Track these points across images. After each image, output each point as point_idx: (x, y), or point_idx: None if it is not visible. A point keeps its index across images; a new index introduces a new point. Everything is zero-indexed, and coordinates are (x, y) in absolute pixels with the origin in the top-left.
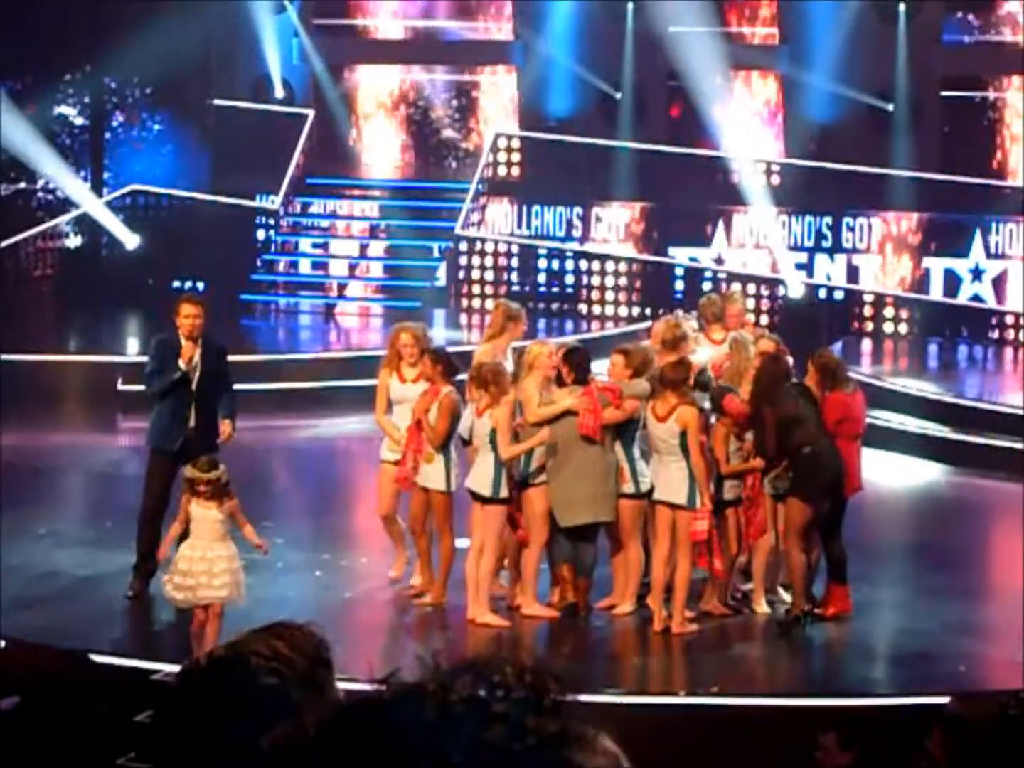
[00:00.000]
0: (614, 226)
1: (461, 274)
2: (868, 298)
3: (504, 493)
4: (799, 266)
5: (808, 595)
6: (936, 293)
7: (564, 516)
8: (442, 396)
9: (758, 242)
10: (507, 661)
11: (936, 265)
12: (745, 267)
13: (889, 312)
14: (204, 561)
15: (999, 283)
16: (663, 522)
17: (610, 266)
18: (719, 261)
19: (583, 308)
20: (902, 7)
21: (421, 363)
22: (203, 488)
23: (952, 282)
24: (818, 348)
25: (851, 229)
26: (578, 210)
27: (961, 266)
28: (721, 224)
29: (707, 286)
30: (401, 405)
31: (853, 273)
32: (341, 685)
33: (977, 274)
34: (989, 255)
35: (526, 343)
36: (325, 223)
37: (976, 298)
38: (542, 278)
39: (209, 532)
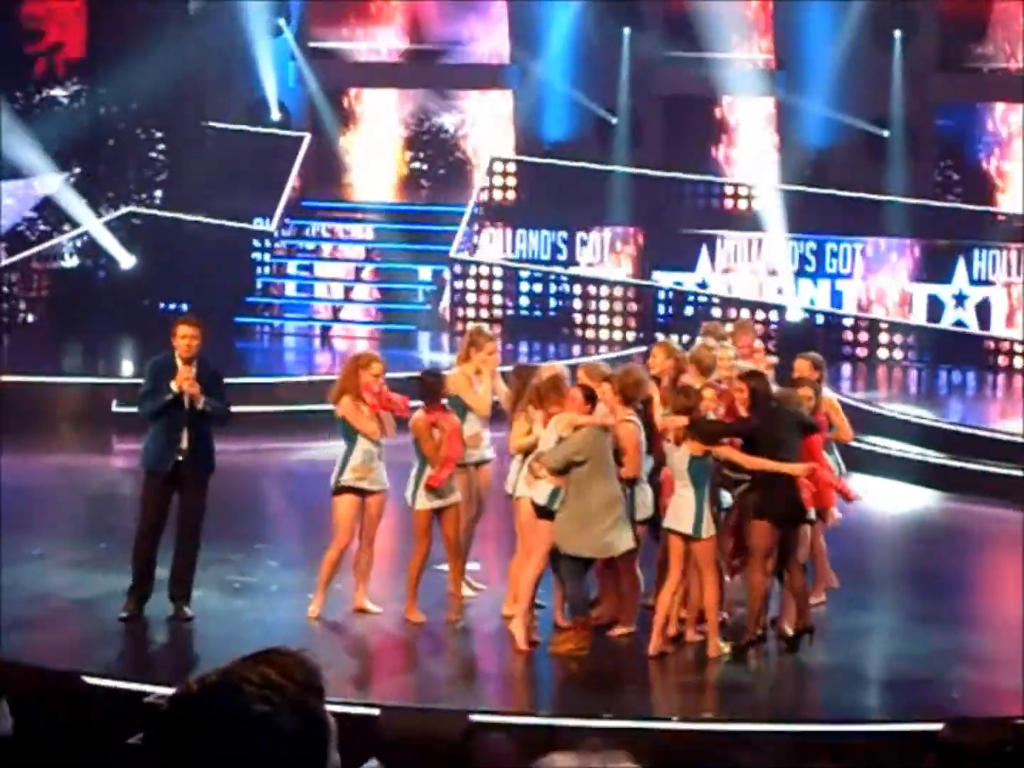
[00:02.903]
0: (605, 250)
1: (456, 297)
2: (862, 323)
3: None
4: (782, 291)
5: (762, 620)
6: (919, 319)
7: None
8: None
9: (759, 267)
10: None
11: (919, 291)
12: (730, 291)
13: (883, 338)
14: None
15: (982, 309)
16: (675, 550)
17: (604, 291)
18: (703, 285)
19: (579, 332)
20: (898, 34)
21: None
22: None
23: (935, 308)
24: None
25: (835, 255)
26: (562, 234)
27: (944, 292)
28: (706, 249)
29: (711, 311)
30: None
31: (836, 298)
32: (336, 707)
33: (960, 300)
34: (972, 281)
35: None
36: (320, 246)
37: (959, 324)
38: (537, 302)
39: None
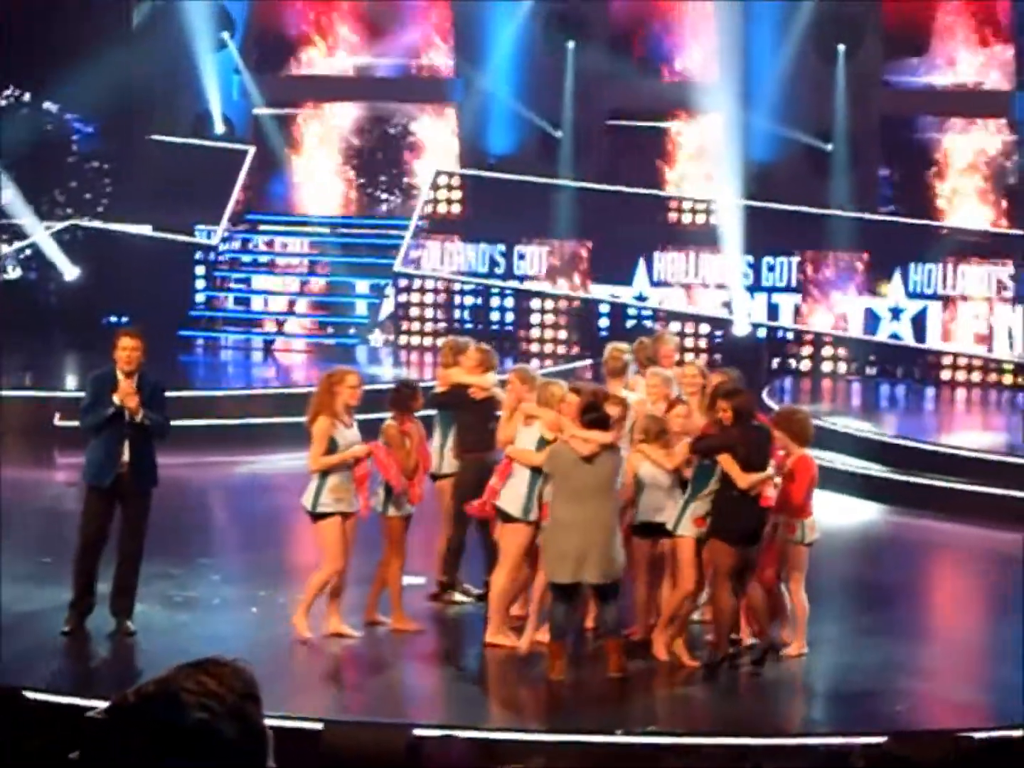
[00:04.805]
0: (543, 264)
1: (399, 311)
2: (806, 336)
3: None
4: (727, 305)
5: (731, 638)
6: (856, 332)
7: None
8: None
9: (700, 281)
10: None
11: (856, 304)
12: (662, 304)
13: (827, 351)
14: None
15: (918, 322)
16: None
17: (548, 304)
18: (640, 299)
19: (523, 345)
20: (841, 47)
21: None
22: None
23: (871, 321)
24: (758, 388)
25: (771, 269)
26: (500, 247)
27: (880, 305)
28: (644, 263)
29: (654, 324)
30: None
31: (773, 311)
32: (279, 721)
33: (896, 313)
34: (909, 295)
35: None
36: (264, 259)
37: (894, 337)
38: (480, 315)
39: None
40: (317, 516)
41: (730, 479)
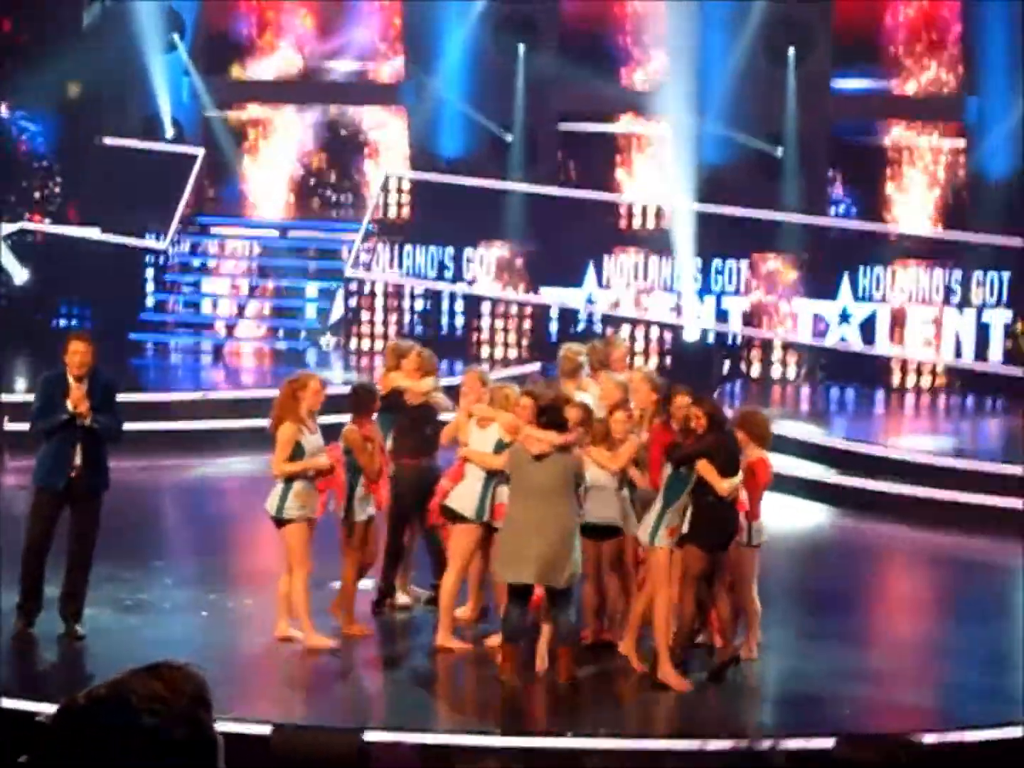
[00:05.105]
0: (492, 268)
1: (350, 315)
2: (756, 341)
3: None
4: (677, 309)
5: (690, 644)
6: (805, 336)
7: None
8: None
9: (649, 285)
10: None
11: (804, 308)
12: (616, 308)
13: (777, 356)
14: None
15: (867, 327)
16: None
17: (500, 308)
18: (590, 302)
19: (472, 348)
20: (791, 51)
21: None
22: None
23: (820, 325)
24: (710, 392)
25: (720, 272)
26: (450, 251)
27: (829, 309)
28: (596, 265)
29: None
30: (314, 457)
31: (722, 316)
32: (226, 725)
33: (845, 317)
34: (857, 299)
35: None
36: (214, 262)
37: (843, 341)
38: (431, 319)
39: None
40: (282, 522)
41: (705, 485)
